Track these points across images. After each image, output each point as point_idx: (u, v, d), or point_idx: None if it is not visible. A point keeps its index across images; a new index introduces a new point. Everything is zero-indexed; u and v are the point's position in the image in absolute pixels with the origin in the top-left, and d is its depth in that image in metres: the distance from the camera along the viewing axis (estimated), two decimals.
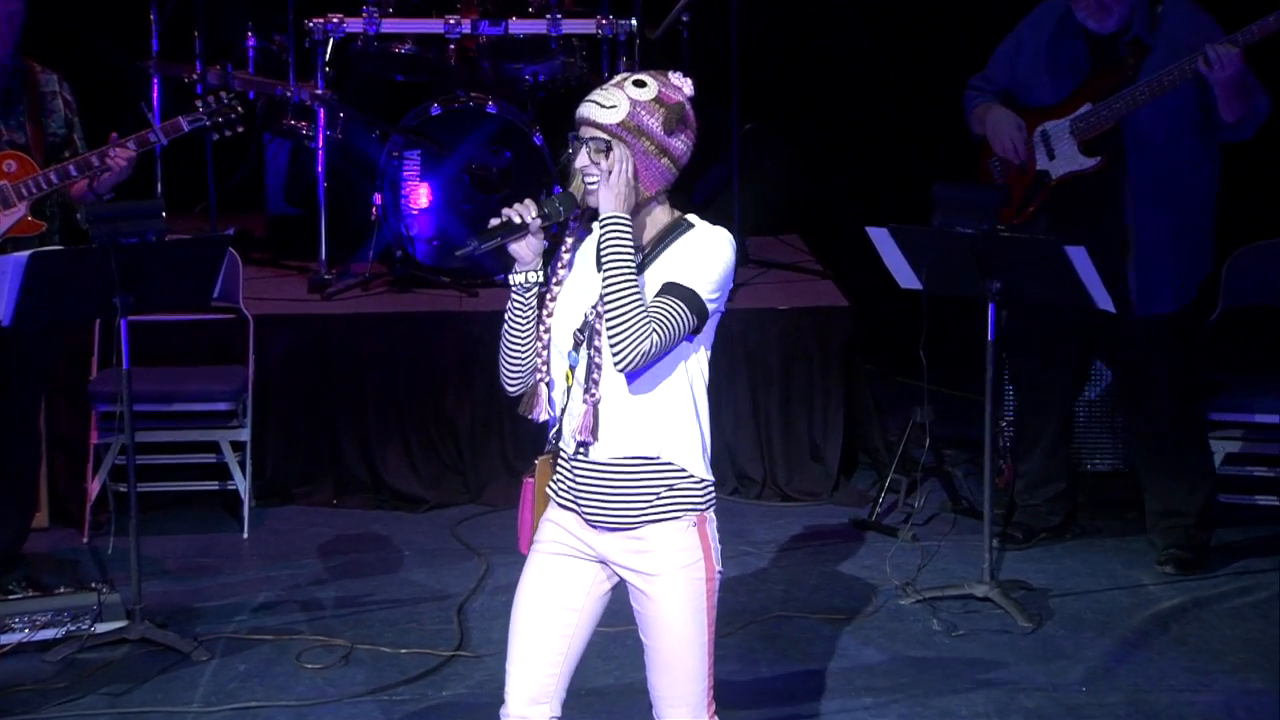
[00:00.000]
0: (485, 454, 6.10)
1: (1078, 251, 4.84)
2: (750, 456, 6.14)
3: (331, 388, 6.06)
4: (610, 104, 3.12)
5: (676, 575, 3.16)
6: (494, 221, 3.13)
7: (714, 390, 6.59)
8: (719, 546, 3.23)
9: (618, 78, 3.17)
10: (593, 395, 3.13)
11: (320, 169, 6.57)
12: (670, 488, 3.17)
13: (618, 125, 3.11)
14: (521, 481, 3.26)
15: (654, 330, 3.07)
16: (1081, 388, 5.75)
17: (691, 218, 3.22)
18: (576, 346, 3.17)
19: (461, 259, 3.11)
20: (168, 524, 5.81)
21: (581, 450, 3.17)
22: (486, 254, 3.15)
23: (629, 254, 3.09)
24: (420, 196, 6.58)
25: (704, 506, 3.20)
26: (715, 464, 6.60)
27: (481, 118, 6.53)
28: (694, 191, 7.50)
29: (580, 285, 3.20)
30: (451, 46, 6.78)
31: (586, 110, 3.13)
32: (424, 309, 6.28)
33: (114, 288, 4.68)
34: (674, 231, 3.19)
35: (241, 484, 5.75)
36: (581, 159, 3.14)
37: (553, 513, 3.26)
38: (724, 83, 6.78)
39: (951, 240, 4.98)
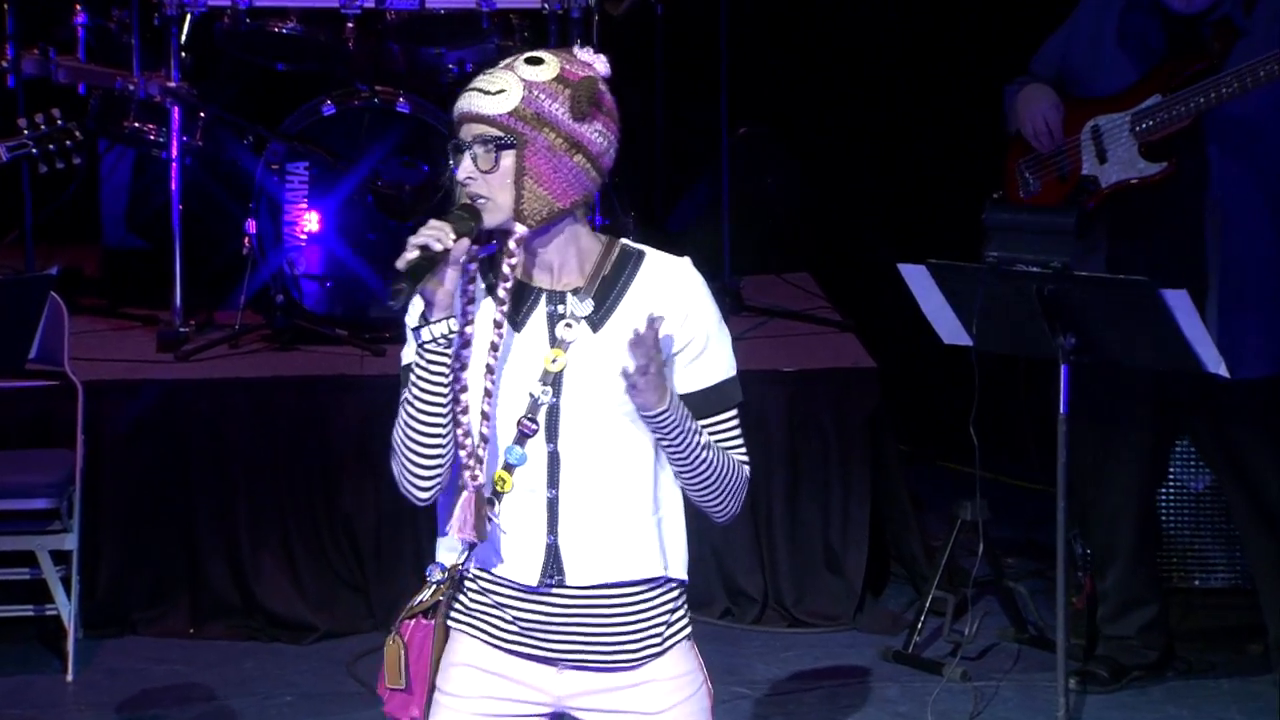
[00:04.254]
0: (393, 565, 6.06)
1: (1178, 296, 4.86)
2: (746, 567, 6.12)
3: (188, 478, 6.03)
4: (497, 89, 3.14)
5: (682, 709, 3.25)
6: (409, 256, 3.10)
7: None
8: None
9: (506, 59, 3.19)
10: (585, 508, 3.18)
11: (174, 186, 6.57)
12: (671, 607, 3.26)
13: (510, 116, 3.12)
14: (405, 624, 3.23)
15: (745, 472, 3.24)
16: (1162, 474, 5.77)
17: (629, 243, 3.23)
18: (522, 439, 3.16)
19: (385, 308, 3.11)
20: None
21: (554, 580, 3.18)
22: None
23: (695, 433, 3.16)
24: (308, 223, 6.56)
25: (690, 616, 3.31)
26: (700, 575, 6.55)
27: (389, 119, 6.55)
28: (672, 216, 7.48)
29: (510, 342, 3.18)
30: (350, 25, 6.79)
31: (467, 102, 3.15)
32: (313, 372, 6.28)
33: None
34: (626, 266, 3.19)
35: (65, 607, 5.70)
36: (465, 168, 3.14)
37: (468, 654, 3.25)
38: (711, 74, 6.79)
39: (1010, 281, 5.00)
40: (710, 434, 3.20)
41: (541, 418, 3.15)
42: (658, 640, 3.24)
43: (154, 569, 5.99)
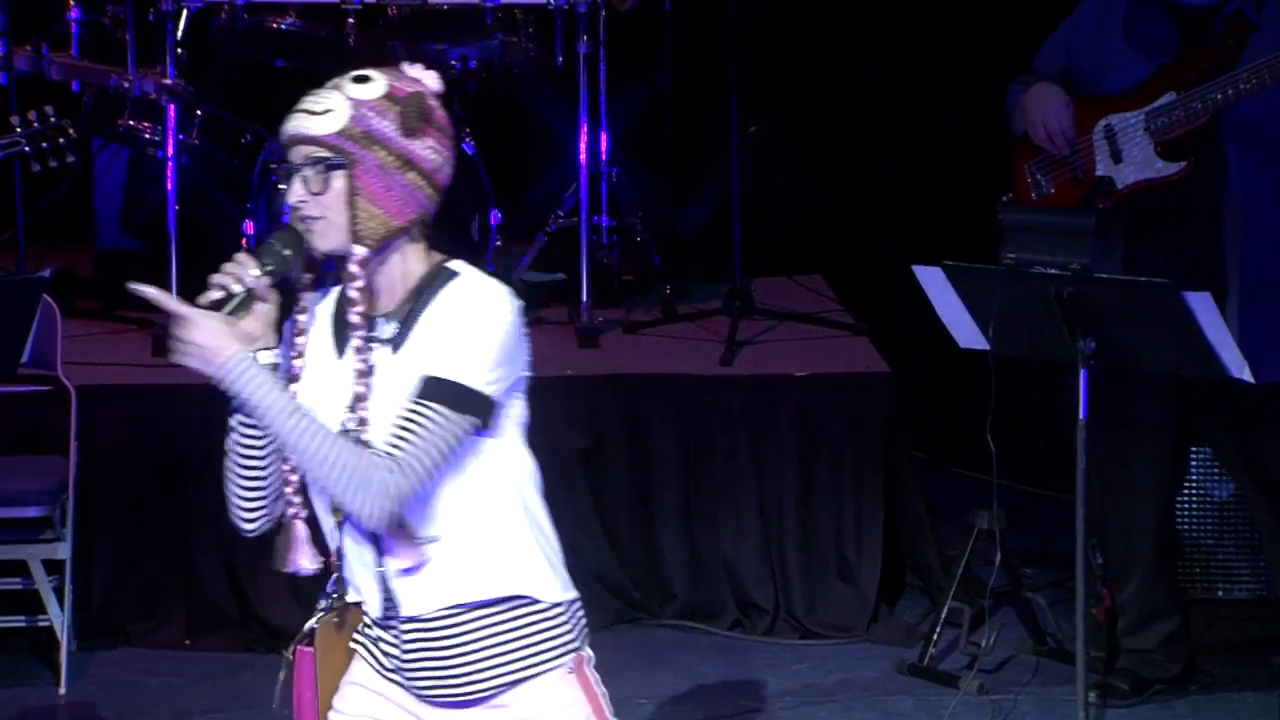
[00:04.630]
0: None
1: (1200, 299, 4.84)
2: (756, 577, 6.11)
3: (183, 485, 6.03)
4: (323, 109, 3.13)
5: None
6: (211, 296, 3.11)
7: (708, 486, 6.47)
8: (605, 691, 3.23)
9: (333, 79, 3.19)
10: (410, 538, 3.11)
11: (170, 186, 6.57)
12: (532, 631, 3.18)
13: (338, 135, 3.11)
14: (297, 648, 3.28)
15: (377, 464, 3.05)
16: (1181, 481, 5.76)
17: (456, 264, 3.19)
18: None
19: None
20: None
21: (390, 609, 3.16)
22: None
23: (273, 394, 3.09)
24: None
25: (577, 641, 3.22)
26: (709, 585, 6.52)
27: None
28: (680, 217, 7.46)
29: (333, 373, 3.16)
30: (350, 20, 6.78)
31: (294, 125, 3.14)
32: None
33: None
34: (432, 285, 3.16)
35: (58, 619, 5.69)
36: (296, 192, 3.13)
37: (361, 675, 3.26)
38: (720, 71, 6.79)
39: (1028, 284, 4.98)
40: (405, 404, 3.08)
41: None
42: (519, 668, 3.17)
43: (149, 579, 6.00)
